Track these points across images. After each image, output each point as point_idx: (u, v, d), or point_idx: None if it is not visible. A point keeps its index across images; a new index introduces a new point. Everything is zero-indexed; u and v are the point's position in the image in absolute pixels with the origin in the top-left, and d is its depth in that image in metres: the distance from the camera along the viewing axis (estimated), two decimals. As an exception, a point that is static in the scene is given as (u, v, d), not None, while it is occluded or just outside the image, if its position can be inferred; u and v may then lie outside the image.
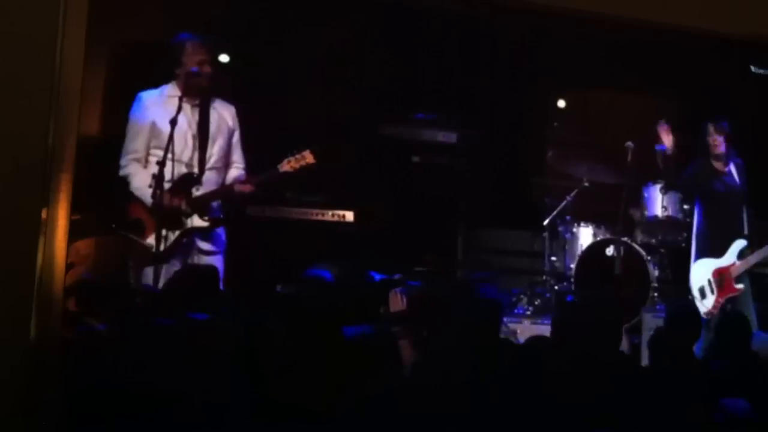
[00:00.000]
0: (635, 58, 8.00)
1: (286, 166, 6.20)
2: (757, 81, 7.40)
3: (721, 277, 7.21)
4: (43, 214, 2.78)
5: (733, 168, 7.34)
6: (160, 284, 5.75)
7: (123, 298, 3.97)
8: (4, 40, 2.76)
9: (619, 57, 8.02)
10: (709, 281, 7.27)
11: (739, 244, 7.19)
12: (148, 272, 5.82)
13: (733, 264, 7.18)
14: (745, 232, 7.28)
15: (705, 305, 7.24)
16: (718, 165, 7.41)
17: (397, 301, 5.60)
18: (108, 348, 3.07)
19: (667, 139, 7.40)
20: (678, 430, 4.01)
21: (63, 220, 2.79)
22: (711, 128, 7.34)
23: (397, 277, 6.65)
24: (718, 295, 7.19)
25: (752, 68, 7.35)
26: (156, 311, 5.22)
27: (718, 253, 7.28)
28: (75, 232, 2.91)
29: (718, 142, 7.32)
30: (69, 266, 2.96)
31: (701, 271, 7.38)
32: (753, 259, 7.15)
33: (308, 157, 6.21)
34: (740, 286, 7.12)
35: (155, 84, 6.28)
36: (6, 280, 2.76)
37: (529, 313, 8.21)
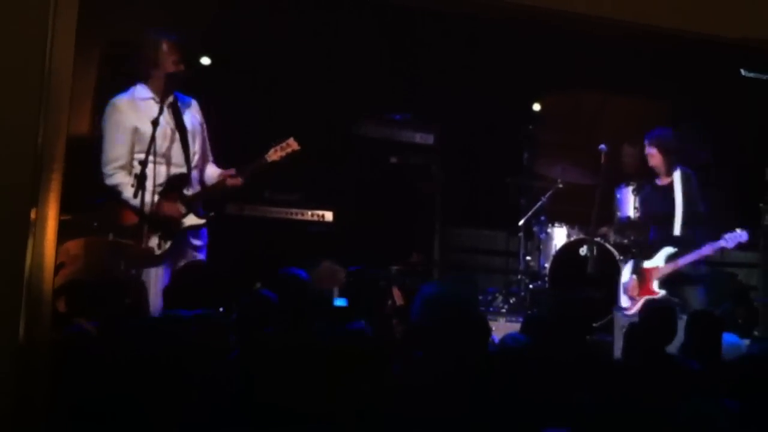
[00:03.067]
0: (619, 61, 7.93)
1: (273, 156, 6.12)
2: (747, 84, 7.28)
3: (642, 277, 7.15)
4: (32, 215, 2.68)
5: (677, 177, 7.21)
6: (163, 283, 5.74)
7: (113, 298, 3.86)
8: (-7, 40, 2.66)
9: (602, 59, 7.94)
10: (633, 279, 7.23)
11: (668, 250, 7.12)
12: (151, 273, 5.79)
13: (657, 267, 7.11)
14: (676, 238, 7.19)
15: (627, 302, 7.23)
16: (657, 176, 7.31)
17: (400, 297, 5.56)
18: (97, 349, 2.97)
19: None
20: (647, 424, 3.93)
21: (52, 220, 2.68)
22: (645, 142, 7.28)
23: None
24: (639, 295, 7.15)
25: (742, 71, 7.24)
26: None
27: (649, 255, 7.23)
28: (65, 233, 2.80)
29: (652, 155, 7.24)
30: (58, 267, 2.85)
31: (629, 270, 7.36)
32: (672, 266, 7.05)
33: (293, 144, 6.13)
34: (661, 291, 7.04)
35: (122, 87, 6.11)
36: (-6, 281, 2.66)
37: (504, 311, 8.16)
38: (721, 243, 6.90)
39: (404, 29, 8.12)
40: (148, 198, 5.72)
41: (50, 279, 2.70)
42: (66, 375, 2.79)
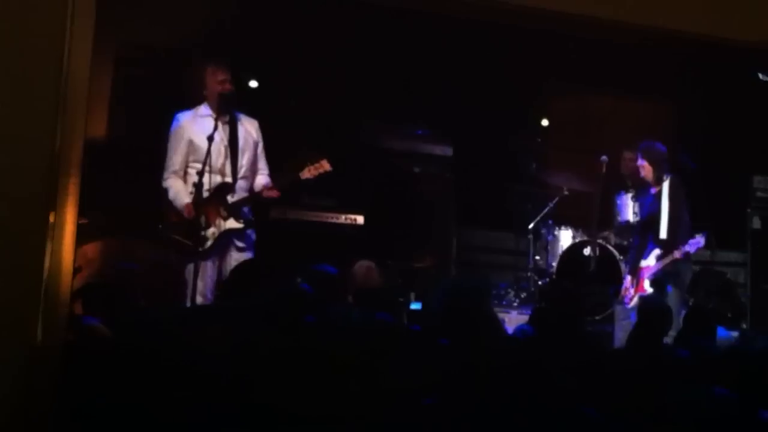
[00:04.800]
0: (634, 67, 7.49)
1: (306, 174, 5.98)
2: (764, 88, 6.81)
3: (638, 275, 6.84)
4: (51, 218, 2.30)
5: (666, 185, 6.78)
6: (206, 277, 5.72)
7: (129, 300, 3.47)
8: (11, 45, 2.27)
9: (614, 68, 7.53)
10: (630, 278, 6.93)
11: (656, 251, 6.77)
12: (197, 268, 5.66)
13: (648, 266, 6.79)
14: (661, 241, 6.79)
15: (627, 297, 6.93)
16: (648, 185, 6.92)
17: None
18: (113, 351, 2.57)
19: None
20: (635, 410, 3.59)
21: (70, 224, 2.30)
22: (638, 154, 6.86)
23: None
24: (634, 291, 6.84)
25: (760, 75, 6.78)
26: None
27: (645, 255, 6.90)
28: (83, 235, 2.40)
29: (643, 166, 6.84)
30: (76, 270, 2.46)
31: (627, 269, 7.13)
32: (657, 266, 6.71)
33: (325, 165, 5.98)
34: (650, 289, 6.72)
35: (188, 102, 6.00)
36: (13, 284, 2.27)
37: (515, 304, 8.05)
38: (686, 248, 6.61)
39: (427, 54, 7.84)
40: (193, 203, 5.70)
41: (68, 282, 2.31)
42: (82, 376, 2.40)
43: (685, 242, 6.61)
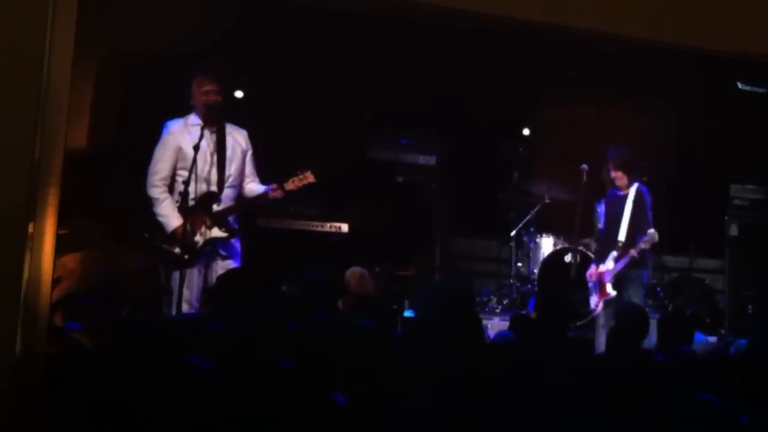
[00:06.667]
0: (615, 77, 7.45)
1: (290, 185, 5.91)
2: (744, 98, 6.76)
3: (599, 279, 6.80)
4: (30, 228, 2.20)
5: (632, 190, 6.78)
6: (190, 285, 5.65)
7: (110, 311, 3.37)
8: (-10, 52, 2.18)
9: (596, 78, 7.49)
10: (594, 283, 6.88)
11: (614, 253, 6.75)
12: (182, 277, 5.59)
13: (608, 270, 6.75)
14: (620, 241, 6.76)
15: (592, 303, 6.91)
16: (618, 190, 6.89)
17: None
18: (93, 362, 2.48)
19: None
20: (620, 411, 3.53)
21: (50, 234, 2.20)
22: (611, 164, 6.85)
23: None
24: (598, 297, 6.79)
25: (739, 85, 6.74)
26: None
27: (603, 259, 6.86)
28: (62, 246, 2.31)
29: (619, 175, 6.83)
30: (55, 281, 2.36)
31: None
32: (616, 268, 6.69)
33: (309, 177, 5.91)
34: (613, 292, 6.67)
35: (176, 111, 5.95)
36: (-9, 295, 2.17)
37: (498, 311, 8.00)
38: (640, 245, 6.58)
39: (411, 68, 7.77)
40: (179, 211, 5.69)
41: (48, 293, 2.21)
42: (62, 388, 2.30)
43: (639, 241, 6.55)
